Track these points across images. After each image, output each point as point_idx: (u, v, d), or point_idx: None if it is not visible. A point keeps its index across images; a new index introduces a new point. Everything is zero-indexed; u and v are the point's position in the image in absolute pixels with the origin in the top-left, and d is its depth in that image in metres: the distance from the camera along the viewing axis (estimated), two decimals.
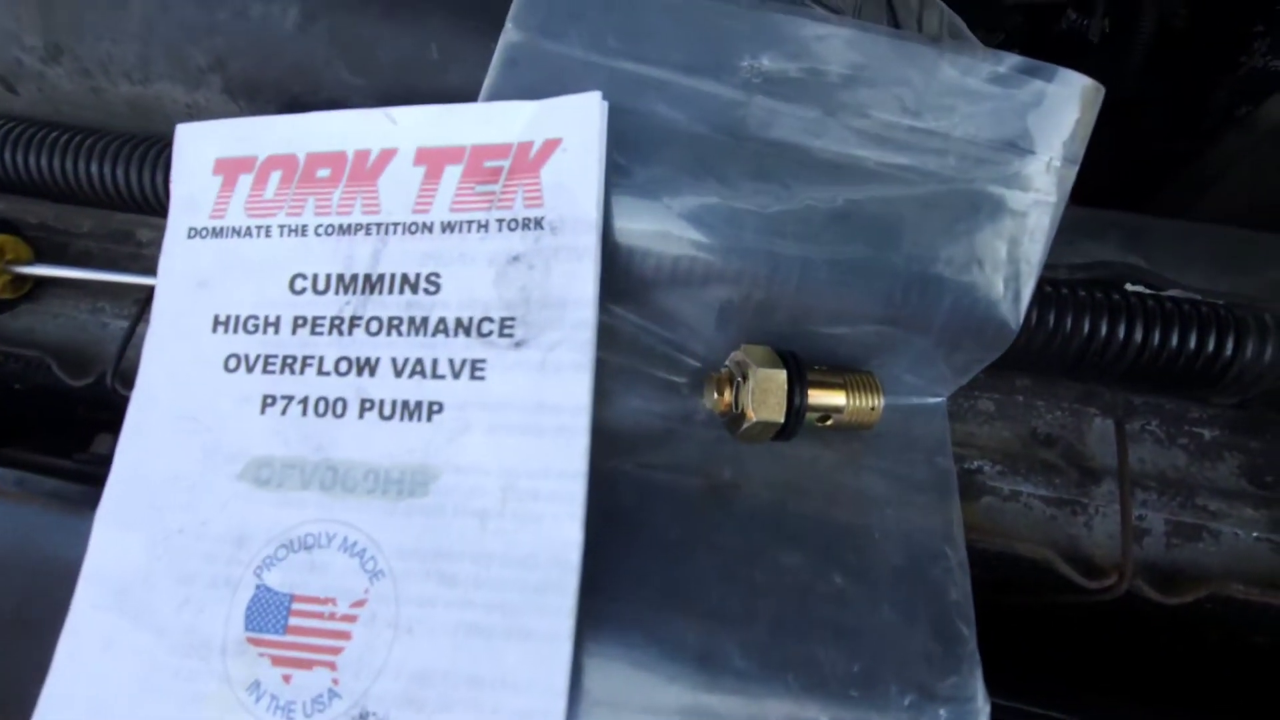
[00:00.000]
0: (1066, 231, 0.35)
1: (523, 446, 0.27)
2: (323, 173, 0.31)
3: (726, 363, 0.30)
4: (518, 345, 0.27)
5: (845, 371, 0.30)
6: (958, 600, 0.26)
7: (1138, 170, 0.82)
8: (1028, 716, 0.25)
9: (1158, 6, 0.78)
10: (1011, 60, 0.27)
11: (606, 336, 0.30)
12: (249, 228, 0.31)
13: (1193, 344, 0.28)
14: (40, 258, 0.36)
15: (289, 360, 0.29)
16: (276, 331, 0.30)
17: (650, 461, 0.30)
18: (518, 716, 0.24)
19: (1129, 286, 0.30)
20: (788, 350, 0.29)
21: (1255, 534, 0.29)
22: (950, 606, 0.26)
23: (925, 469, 0.30)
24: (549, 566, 0.25)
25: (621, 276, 0.30)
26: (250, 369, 0.30)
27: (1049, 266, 0.32)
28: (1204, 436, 0.31)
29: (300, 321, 0.30)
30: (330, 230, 0.30)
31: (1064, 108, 0.27)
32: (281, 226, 0.31)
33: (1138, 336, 0.28)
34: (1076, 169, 0.27)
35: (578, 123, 0.28)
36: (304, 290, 0.30)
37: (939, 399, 0.31)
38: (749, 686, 0.24)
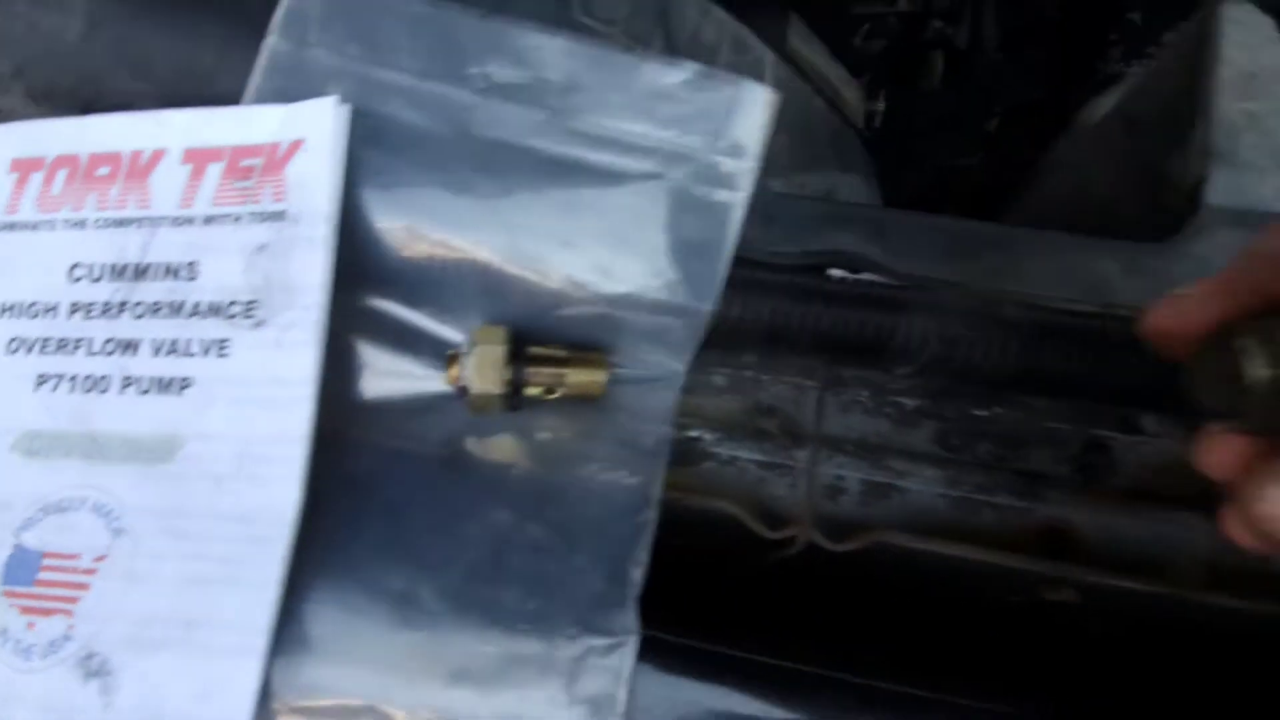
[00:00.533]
0: (816, 222, 0.39)
1: (257, 416, 0.30)
2: (102, 171, 0.34)
3: (461, 341, 0.33)
4: (258, 326, 0.31)
5: (574, 349, 0.33)
6: (638, 551, 0.29)
7: (1009, 177, 0.85)
8: (678, 646, 0.28)
9: (1022, 15, 0.82)
10: (697, 69, 0.31)
11: (363, 320, 0.33)
12: (37, 222, 0.34)
13: (857, 320, 0.31)
14: None
15: (64, 342, 0.32)
16: (55, 316, 0.33)
17: (395, 433, 0.33)
18: (224, 652, 0.27)
19: (830, 271, 0.34)
20: (522, 329, 0.33)
21: (938, 491, 0.33)
22: (629, 555, 0.29)
23: (647, 437, 0.33)
24: (269, 522, 0.28)
25: (376, 266, 0.33)
26: (29, 351, 0.32)
27: (775, 254, 0.36)
28: (906, 405, 0.34)
29: (76, 307, 0.33)
30: (107, 223, 0.33)
31: (747, 111, 0.31)
32: (65, 220, 0.34)
33: (812, 314, 0.31)
34: (760, 165, 0.31)
35: (317, 124, 0.32)
36: (81, 279, 0.33)
37: (670, 374, 0.34)
38: (437, 624, 0.28)
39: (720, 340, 0.34)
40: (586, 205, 0.32)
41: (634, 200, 0.31)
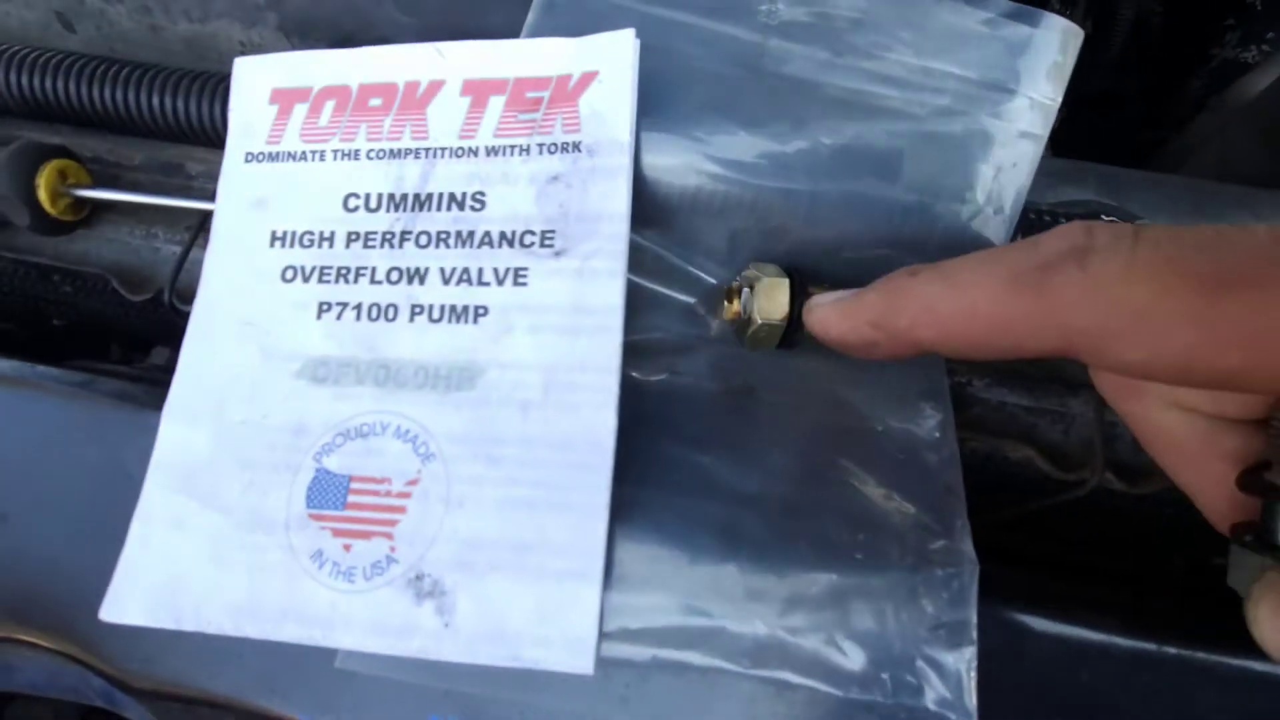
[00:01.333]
0: (1049, 177, 0.39)
1: (561, 344, 0.29)
2: (374, 102, 0.33)
3: (738, 277, 0.33)
4: (557, 255, 0.30)
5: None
6: (950, 484, 0.29)
7: (1118, 159, 0.85)
8: (1012, 577, 0.28)
9: (1135, 3, 0.82)
10: (999, 5, 0.31)
11: (633, 259, 0.33)
12: (304, 152, 0.34)
13: None
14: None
15: (343, 271, 0.32)
16: (331, 245, 0.32)
17: (672, 370, 0.33)
18: (560, 576, 0.27)
19: (1103, 218, 0.34)
20: (794, 267, 0.32)
21: None
22: (943, 489, 0.29)
23: (921, 381, 0.33)
24: (586, 449, 0.28)
25: (648, 205, 0.33)
26: (306, 279, 0.32)
27: (1032, 203, 0.36)
28: None
29: (353, 236, 0.32)
30: (381, 154, 0.33)
31: (1046, 49, 0.31)
32: (335, 151, 0.33)
33: None
34: (1058, 105, 0.31)
35: (612, 57, 0.31)
36: (357, 208, 0.33)
37: None
38: (767, 555, 0.27)
39: None
40: (876, 145, 0.32)
41: (924, 140, 0.31)
